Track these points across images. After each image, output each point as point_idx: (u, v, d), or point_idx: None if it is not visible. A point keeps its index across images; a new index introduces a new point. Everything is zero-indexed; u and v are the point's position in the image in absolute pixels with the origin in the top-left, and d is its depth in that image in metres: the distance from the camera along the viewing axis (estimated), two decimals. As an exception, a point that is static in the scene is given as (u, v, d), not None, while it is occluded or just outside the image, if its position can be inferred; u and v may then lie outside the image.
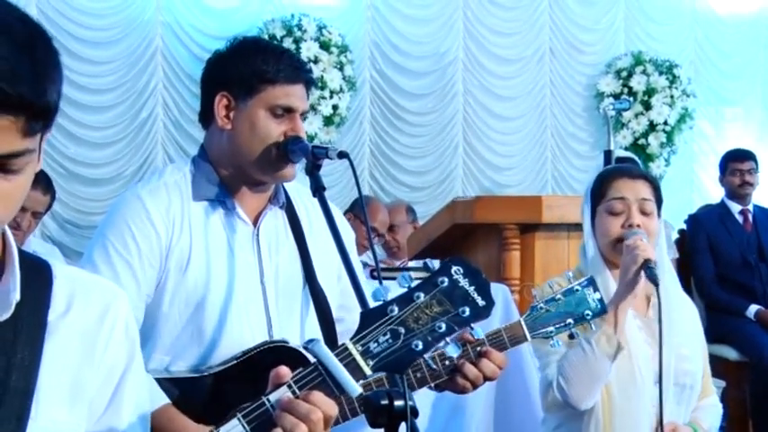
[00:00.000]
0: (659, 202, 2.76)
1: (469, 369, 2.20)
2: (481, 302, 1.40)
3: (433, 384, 2.27)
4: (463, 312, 1.39)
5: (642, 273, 2.56)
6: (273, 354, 2.21)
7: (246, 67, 2.28)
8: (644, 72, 8.09)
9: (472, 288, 1.40)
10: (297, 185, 2.44)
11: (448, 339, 1.37)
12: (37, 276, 1.35)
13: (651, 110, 8.03)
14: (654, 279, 2.52)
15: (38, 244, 4.67)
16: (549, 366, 2.64)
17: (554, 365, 2.63)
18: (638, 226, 2.67)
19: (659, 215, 2.76)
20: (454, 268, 1.40)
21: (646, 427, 2.62)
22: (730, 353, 5.38)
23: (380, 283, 1.58)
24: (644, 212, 2.70)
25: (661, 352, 2.54)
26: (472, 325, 1.40)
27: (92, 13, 6.64)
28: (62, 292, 1.36)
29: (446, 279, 1.40)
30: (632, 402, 2.61)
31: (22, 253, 1.35)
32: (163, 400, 2.17)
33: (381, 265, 4.21)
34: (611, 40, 8.30)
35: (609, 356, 2.56)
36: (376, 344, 1.38)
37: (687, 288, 5.67)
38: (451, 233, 4.27)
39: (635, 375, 2.61)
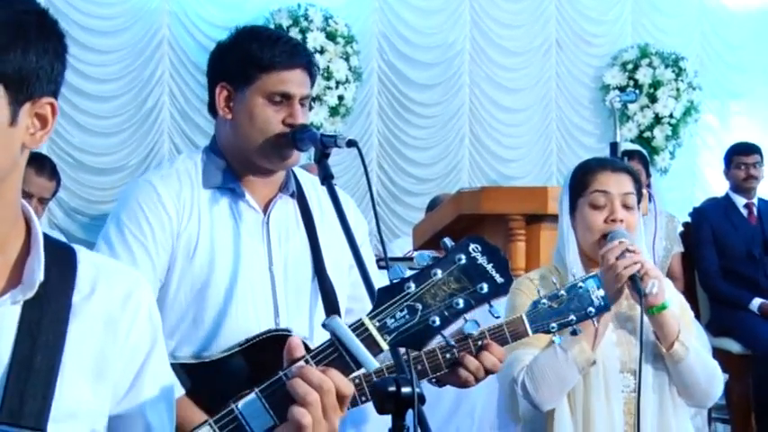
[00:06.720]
0: (640, 195, 2.72)
1: (470, 361, 2.21)
2: (500, 279, 1.39)
3: (434, 379, 2.28)
4: (481, 289, 1.38)
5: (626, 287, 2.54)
6: (276, 342, 2.19)
7: (242, 57, 2.28)
8: (650, 65, 8.07)
9: (490, 265, 1.39)
10: (309, 175, 2.45)
11: (466, 316, 1.37)
12: (62, 259, 1.36)
13: (657, 102, 8.02)
14: (639, 293, 2.50)
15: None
16: (513, 365, 2.59)
17: (519, 364, 2.59)
18: (621, 221, 2.63)
19: (639, 208, 2.73)
20: (472, 246, 1.40)
21: (617, 414, 2.59)
22: (734, 346, 5.39)
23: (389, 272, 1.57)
24: (626, 206, 2.66)
25: (641, 363, 2.52)
26: (491, 302, 1.39)
27: (98, 2, 6.64)
28: (86, 275, 1.38)
29: (464, 256, 1.39)
30: (594, 391, 2.59)
31: (47, 237, 1.36)
32: (179, 391, 2.17)
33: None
34: (618, 32, 8.28)
35: (579, 367, 2.54)
36: (393, 319, 1.38)
37: (691, 281, 5.71)
38: (457, 224, 4.26)
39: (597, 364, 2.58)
